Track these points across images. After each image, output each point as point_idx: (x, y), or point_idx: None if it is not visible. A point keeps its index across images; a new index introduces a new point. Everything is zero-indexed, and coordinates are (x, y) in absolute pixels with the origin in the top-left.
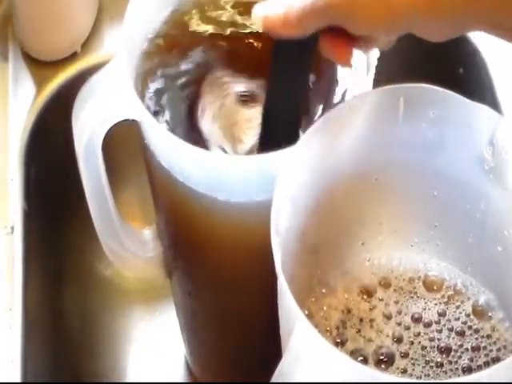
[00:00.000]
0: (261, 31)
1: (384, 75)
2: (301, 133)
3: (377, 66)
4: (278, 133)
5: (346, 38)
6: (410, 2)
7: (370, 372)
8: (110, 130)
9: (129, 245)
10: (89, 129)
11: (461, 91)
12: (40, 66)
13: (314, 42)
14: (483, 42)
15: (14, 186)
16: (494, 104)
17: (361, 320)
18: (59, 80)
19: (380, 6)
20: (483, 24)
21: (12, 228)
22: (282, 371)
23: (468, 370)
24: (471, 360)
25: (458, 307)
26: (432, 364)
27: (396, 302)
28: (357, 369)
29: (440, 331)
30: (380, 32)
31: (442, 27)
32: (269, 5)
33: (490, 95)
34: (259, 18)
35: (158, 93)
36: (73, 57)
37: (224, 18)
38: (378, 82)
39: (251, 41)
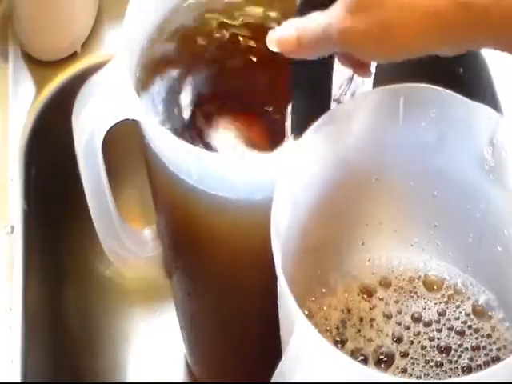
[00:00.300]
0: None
1: (384, 75)
2: None
3: (377, 66)
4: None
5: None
6: (424, 35)
7: (370, 372)
8: (109, 129)
9: (129, 245)
10: (89, 128)
11: (461, 91)
12: (40, 66)
13: (331, 59)
14: None
15: (14, 186)
16: (494, 104)
17: (361, 320)
18: (59, 80)
19: (391, 42)
20: (495, 45)
21: (12, 228)
22: (282, 371)
23: (468, 370)
24: (471, 359)
25: (458, 307)
26: (432, 364)
27: (396, 302)
28: (357, 369)
29: (440, 331)
30: (391, 61)
31: (454, 51)
32: (283, 27)
33: (490, 95)
34: (274, 40)
35: (159, 92)
36: (73, 57)
37: (225, 19)
38: (378, 82)
39: (252, 40)
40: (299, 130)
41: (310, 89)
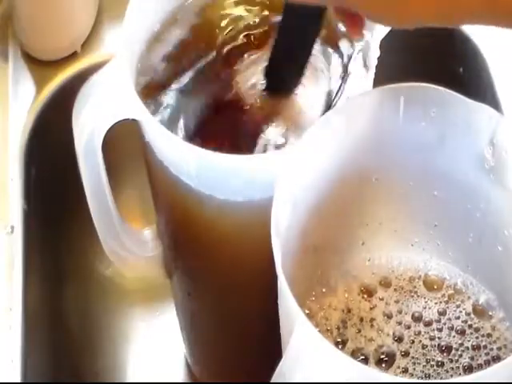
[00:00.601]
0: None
1: (384, 75)
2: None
3: (377, 66)
4: (280, 82)
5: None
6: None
7: (371, 372)
8: (109, 129)
9: (129, 245)
10: (89, 128)
11: (461, 91)
12: (40, 66)
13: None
14: (483, 41)
15: (14, 186)
16: (494, 103)
17: (361, 320)
18: (59, 80)
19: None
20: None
21: (12, 228)
22: (282, 371)
23: (469, 369)
24: (472, 359)
25: (458, 306)
26: (433, 363)
27: (396, 302)
28: (357, 369)
29: (440, 330)
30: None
31: (445, 23)
32: None
33: (490, 95)
34: None
35: (159, 92)
36: (73, 57)
37: (225, 18)
38: (378, 81)
39: (253, 38)
40: (274, 77)
41: (296, 38)
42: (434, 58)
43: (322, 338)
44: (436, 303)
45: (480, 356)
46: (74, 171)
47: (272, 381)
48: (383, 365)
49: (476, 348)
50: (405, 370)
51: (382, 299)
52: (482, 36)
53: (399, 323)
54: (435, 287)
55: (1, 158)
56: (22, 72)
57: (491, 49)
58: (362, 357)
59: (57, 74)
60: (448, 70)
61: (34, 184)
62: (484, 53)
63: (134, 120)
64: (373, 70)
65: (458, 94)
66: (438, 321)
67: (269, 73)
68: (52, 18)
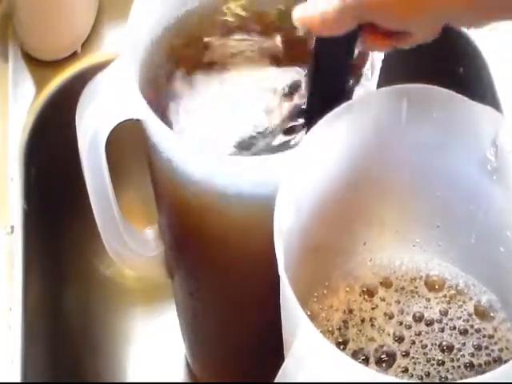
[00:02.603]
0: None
1: (386, 75)
2: None
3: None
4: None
5: (385, 32)
6: None
7: (371, 373)
8: (112, 130)
9: (131, 244)
10: (92, 128)
11: (461, 91)
12: (40, 66)
13: (354, 37)
14: (483, 41)
15: (14, 185)
16: (494, 104)
17: (362, 320)
18: (59, 80)
19: (413, 4)
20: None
21: (12, 228)
22: (285, 372)
23: (470, 367)
24: (472, 356)
25: (459, 307)
26: (433, 362)
27: (397, 302)
28: (358, 370)
29: (442, 330)
30: (415, 27)
31: (481, 17)
32: (307, 6)
33: (490, 95)
34: (298, 20)
35: (163, 92)
36: (73, 57)
37: (229, 21)
38: (381, 82)
39: (257, 42)
40: (318, 110)
41: (332, 65)
42: (433, 58)
43: (324, 339)
44: (438, 303)
45: (481, 356)
46: (74, 171)
47: (275, 381)
48: (383, 364)
49: (477, 348)
50: (405, 370)
51: (383, 299)
52: (482, 36)
53: (400, 323)
54: (437, 287)
55: (1, 158)
56: (22, 72)
57: (491, 49)
58: (363, 357)
59: (57, 74)
60: (448, 70)
61: (34, 184)
62: (484, 53)
63: (137, 120)
64: (377, 72)
65: (458, 94)
66: (439, 321)
67: (308, 111)
68: (52, 18)
